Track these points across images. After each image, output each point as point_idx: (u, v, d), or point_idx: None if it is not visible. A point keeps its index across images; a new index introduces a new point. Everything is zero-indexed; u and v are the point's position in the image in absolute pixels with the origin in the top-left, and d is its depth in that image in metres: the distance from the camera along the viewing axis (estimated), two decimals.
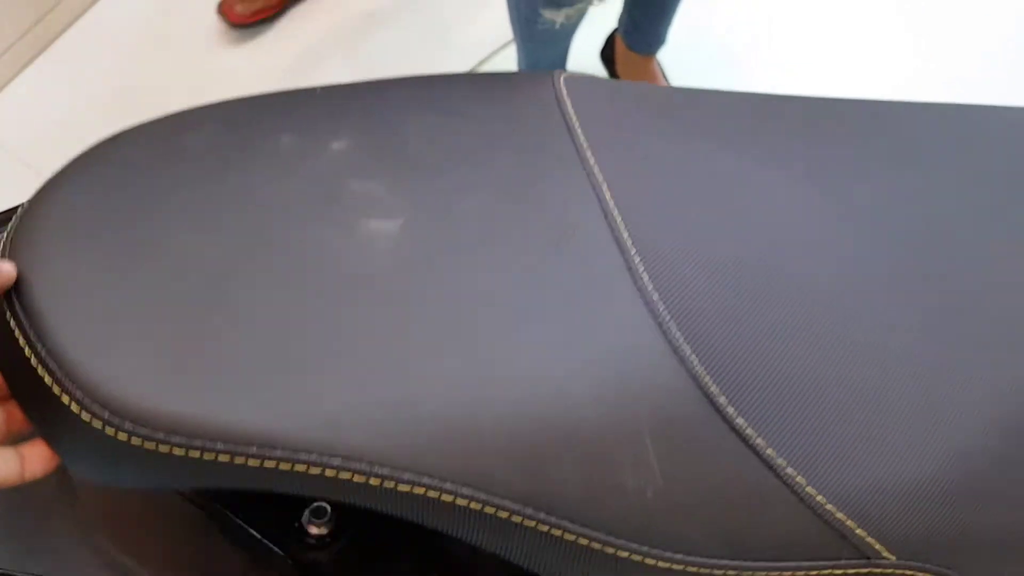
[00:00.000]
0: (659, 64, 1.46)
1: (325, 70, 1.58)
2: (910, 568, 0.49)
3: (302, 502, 0.51)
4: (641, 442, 0.44)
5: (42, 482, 0.51)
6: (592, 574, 0.46)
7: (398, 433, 0.42)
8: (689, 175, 0.55)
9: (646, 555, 0.45)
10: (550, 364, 0.45)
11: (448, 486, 0.42)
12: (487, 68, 1.55)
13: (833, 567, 0.48)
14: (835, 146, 0.60)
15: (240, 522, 0.50)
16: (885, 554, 0.48)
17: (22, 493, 0.52)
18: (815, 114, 0.62)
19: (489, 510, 0.43)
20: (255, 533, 0.50)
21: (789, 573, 0.47)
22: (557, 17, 1.15)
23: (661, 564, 0.45)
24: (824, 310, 0.50)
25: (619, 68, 1.46)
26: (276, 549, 0.49)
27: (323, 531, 0.49)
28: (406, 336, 0.44)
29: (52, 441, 0.43)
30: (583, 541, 0.44)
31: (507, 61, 1.53)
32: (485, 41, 1.57)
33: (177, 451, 0.40)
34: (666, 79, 1.48)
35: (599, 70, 1.52)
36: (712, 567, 0.46)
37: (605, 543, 0.44)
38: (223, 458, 0.41)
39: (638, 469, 0.44)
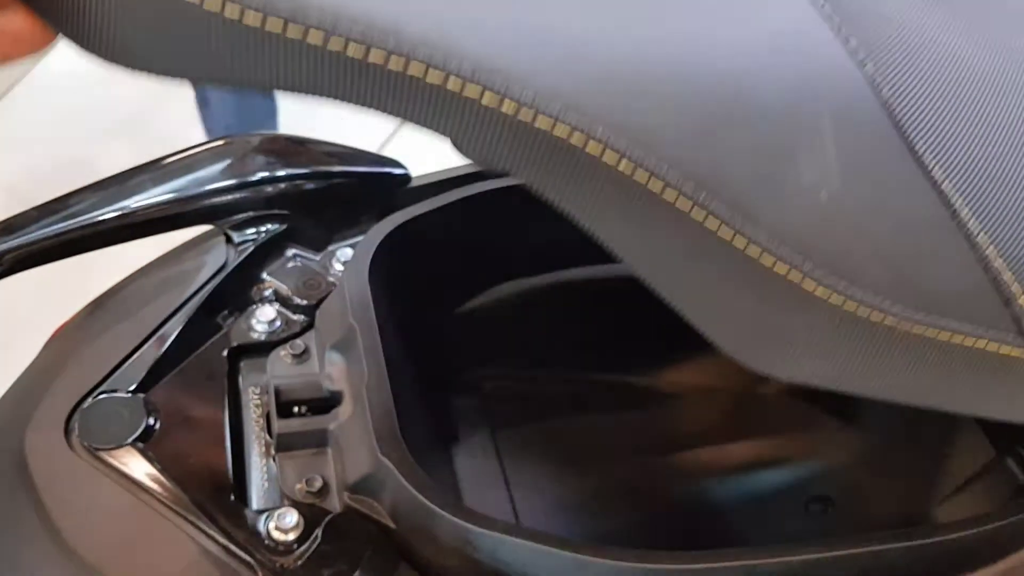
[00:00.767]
0: None
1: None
2: None
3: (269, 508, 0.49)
4: (821, 128, 0.36)
5: (7, 494, 0.49)
6: (732, 301, 0.37)
7: (550, 59, 0.32)
8: None
9: (807, 274, 0.36)
10: (723, 28, 0.36)
11: (600, 132, 0.32)
12: None
13: (988, 339, 0.40)
14: None
15: (207, 529, 0.46)
16: None
17: None
18: None
19: (641, 176, 0.33)
20: (222, 540, 0.46)
21: (947, 334, 0.39)
22: None
23: (820, 291, 0.37)
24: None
25: None
26: (243, 555, 0.45)
27: (289, 537, 0.47)
28: None
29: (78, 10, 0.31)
30: (740, 242, 0.35)
31: None
32: None
33: (294, 31, 0.30)
34: None
35: None
36: (874, 305, 0.37)
37: (765, 249, 0.35)
38: (354, 50, 0.30)
39: (815, 159, 0.36)
